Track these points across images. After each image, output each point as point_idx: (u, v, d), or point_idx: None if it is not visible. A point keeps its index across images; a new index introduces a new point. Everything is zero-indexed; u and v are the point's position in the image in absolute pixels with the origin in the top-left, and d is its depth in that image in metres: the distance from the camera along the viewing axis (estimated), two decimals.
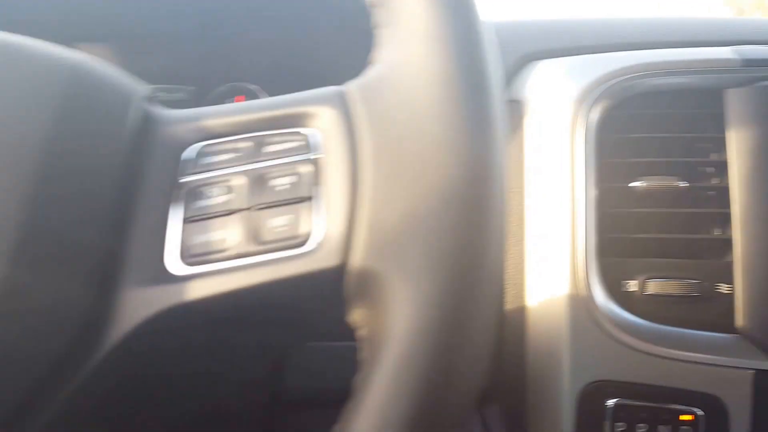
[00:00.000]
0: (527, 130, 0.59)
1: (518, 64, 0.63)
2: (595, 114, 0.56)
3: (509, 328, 0.60)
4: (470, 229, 0.26)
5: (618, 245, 0.56)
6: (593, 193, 0.55)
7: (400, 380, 0.25)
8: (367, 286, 0.28)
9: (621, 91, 0.56)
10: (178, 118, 0.33)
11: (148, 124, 0.32)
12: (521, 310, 0.58)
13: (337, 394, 0.57)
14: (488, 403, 0.61)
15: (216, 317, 0.29)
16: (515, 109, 0.61)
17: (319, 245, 0.28)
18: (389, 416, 0.25)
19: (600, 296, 0.54)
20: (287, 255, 0.28)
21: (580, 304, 0.54)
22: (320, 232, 0.29)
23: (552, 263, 0.56)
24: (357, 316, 0.29)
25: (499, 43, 0.64)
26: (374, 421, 0.25)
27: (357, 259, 0.28)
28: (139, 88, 0.33)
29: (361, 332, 0.29)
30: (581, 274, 0.54)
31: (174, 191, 0.30)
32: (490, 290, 0.27)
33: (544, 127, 0.58)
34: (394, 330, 0.26)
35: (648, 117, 0.58)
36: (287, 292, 0.29)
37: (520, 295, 0.59)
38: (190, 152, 0.31)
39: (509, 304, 0.60)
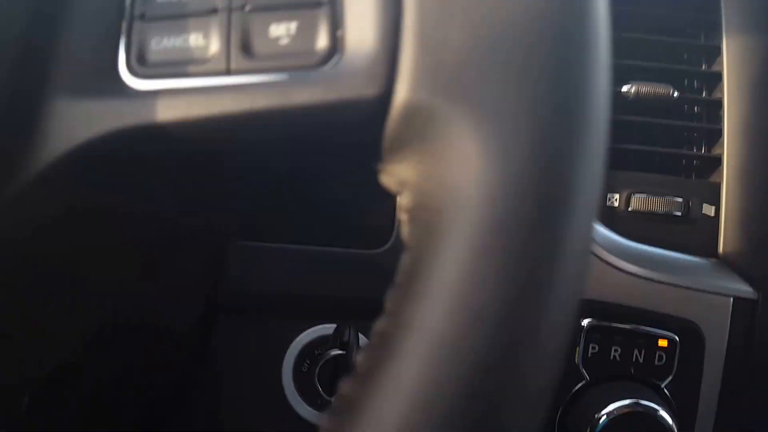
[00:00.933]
0: None
1: None
2: None
3: None
4: (569, 60, 0.18)
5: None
6: None
7: (472, 266, 0.17)
8: (416, 129, 0.19)
9: None
10: None
11: None
12: None
13: (276, 300, 0.52)
14: None
15: (184, 154, 0.21)
16: None
17: (345, 68, 0.20)
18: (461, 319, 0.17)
19: None
20: (295, 77, 0.20)
21: None
22: (347, 50, 0.20)
23: None
24: (396, 173, 0.21)
25: None
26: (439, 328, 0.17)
27: (404, 89, 0.19)
28: None
29: (403, 198, 0.21)
30: None
31: None
32: (593, 150, 0.19)
33: None
34: (460, 195, 0.18)
35: (644, 17, 0.53)
36: (293, 130, 0.21)
37: None
38: None
39: None
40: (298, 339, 0.51)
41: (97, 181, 0.22)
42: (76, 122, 0.20)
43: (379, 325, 0.19)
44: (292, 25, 0.20)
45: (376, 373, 0.18)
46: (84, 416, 0.37)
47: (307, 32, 0.20)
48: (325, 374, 0.47)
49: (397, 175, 0.21)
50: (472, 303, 0.17)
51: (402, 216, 0.21)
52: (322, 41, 0.20)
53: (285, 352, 0.51)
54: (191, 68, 0.20)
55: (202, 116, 0.20)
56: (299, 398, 0.50)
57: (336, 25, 0.20)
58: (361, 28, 0.20)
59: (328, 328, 0.51)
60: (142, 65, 0.21)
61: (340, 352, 0.47)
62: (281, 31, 0.20)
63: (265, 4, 0.20)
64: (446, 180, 0.18)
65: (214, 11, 0.21)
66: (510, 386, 0.17)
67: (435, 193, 0.19)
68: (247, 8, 0.20)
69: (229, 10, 0.21)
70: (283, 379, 0.50)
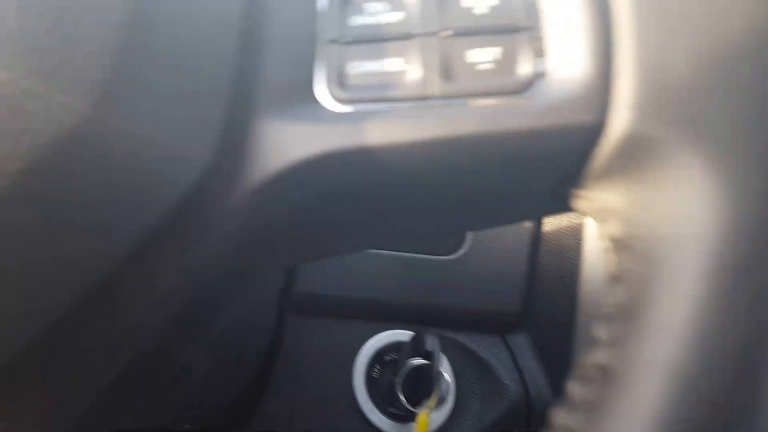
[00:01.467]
0: None
1: None
2: None
3: (545, 247, 0.53)
4: None
5: None
6: None
7: (712, 303, 0.17)
8: (633, 158, 0.18)
9: None
10: None
11: None
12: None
13: (344, 304, 0.50)
14: (514, 330, 0.54)
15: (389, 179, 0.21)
16: None
17: (552, 94, 0.19)
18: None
19: None
20: (502, 102, 0.19)
21: None
22: (552, 75, 0.19)
23: None
24: (599, 200, 0.20)
25: None
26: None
27: (623, 118, 0.18)
28: None
29: (607, 226, 0.20)
30: None
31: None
32: None
33: None
34: (691, 228, 0.17)
35: None
36: (492, 157, 0.20)
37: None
38: None
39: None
40: (368, 344, 0.50)
41: (296, 201, 0.21)
42: (284, 145, 0.20)
43: (598, 357, 0.18)
44: (492, 51, 0.20)
45: (604, 407, 0.17)
46: (180, 414, 0.36)
47: (507, 58, 0.19)
48: (408, 383, 0.46)
49: (600, 202, 0.20)
50: (712, 340, 0.17)
51: (606, 244, 0.20)
52: (524, 67, 0.19)
53: (355, 357, 0.50)
54: (392, 92, 0.20)
55: (408, 141, 0.19)
56: (371, 404, 0.49)
57: (538, 49, 0.19)
58: (567, 52, 0.19)
59: (398, 334, 0.50)
60: (342, 89, 0.20)
61: (424, 362, 0.46)
62: (481, 56, 0.20)
63: (462, 30, 0.20)
64: (672, 211, 0.18)
65: (409, 37, 0.20)
66: (746, 423, 0.17)
67: (656, 224, 0.18)
68: (443, 34, 0.20)
69: (426, 36, 0.20)
70: (355, 385, 0.49)
